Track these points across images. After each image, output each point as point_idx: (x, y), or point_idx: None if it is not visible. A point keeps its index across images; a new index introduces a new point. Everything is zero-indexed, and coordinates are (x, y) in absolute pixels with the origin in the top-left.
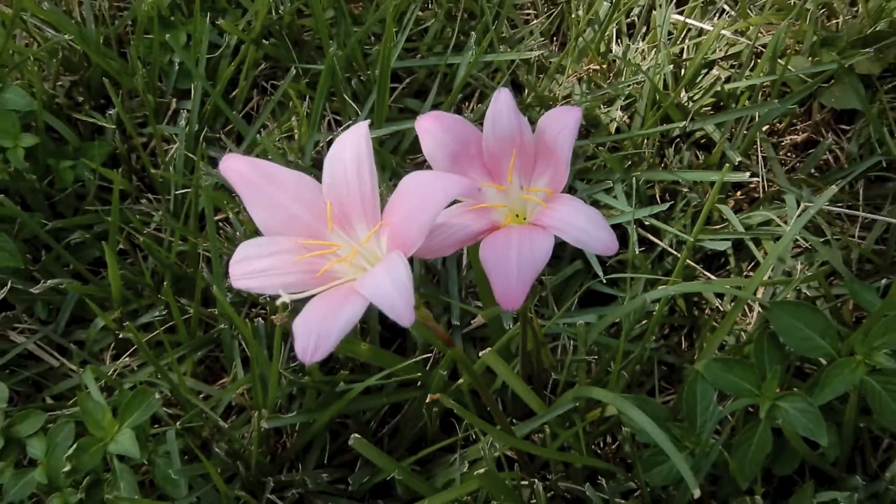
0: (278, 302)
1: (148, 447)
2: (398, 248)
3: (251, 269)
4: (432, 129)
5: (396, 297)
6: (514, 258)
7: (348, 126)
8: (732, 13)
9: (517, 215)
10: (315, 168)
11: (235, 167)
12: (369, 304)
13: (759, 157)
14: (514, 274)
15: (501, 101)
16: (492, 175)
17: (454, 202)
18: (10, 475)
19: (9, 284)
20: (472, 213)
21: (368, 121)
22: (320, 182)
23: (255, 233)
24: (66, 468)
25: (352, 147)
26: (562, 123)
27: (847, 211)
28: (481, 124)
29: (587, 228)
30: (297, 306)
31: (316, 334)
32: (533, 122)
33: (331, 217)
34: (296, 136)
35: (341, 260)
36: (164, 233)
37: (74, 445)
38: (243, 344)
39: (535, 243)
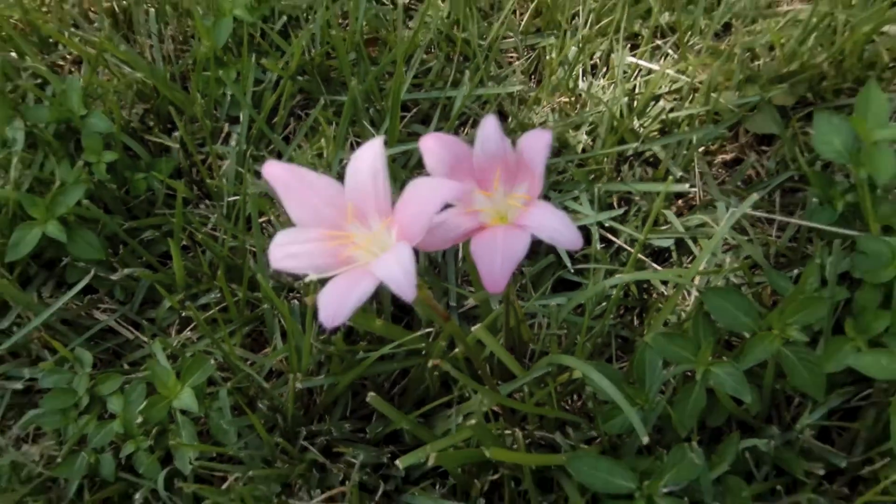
0: (306, 280)
1: (204, 403)
2: (405, 238)
3: (287, 252)
4: (434, 147)
5: (402, 277)
6: (498, 252)
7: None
8: (675, 56)
9: (501, 217)
10: (340, 179)
11: (275, 172)
12: (380, 284)
13: (696, 172)
14: (499, 265)
15: (488, 126)
16: (481, 184)
17: (450, 206)
18: (94, 426)
19: (92, 272)
20: (465, 215)
21: (383, 137)
22: (343, 184)
23: (290, 225)
24: (139, 420)
25: (369, 157)
26: (537, 143)
27: (766, 215)
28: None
29: (558, 228)
30: (325, 283)
31: (335, 306)
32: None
33: (351, 213)
34: (325, 155)
35: (358, 247)
36: (218, 231)
37: (145, 402)
38: (282, 320)
39: (515, 240)
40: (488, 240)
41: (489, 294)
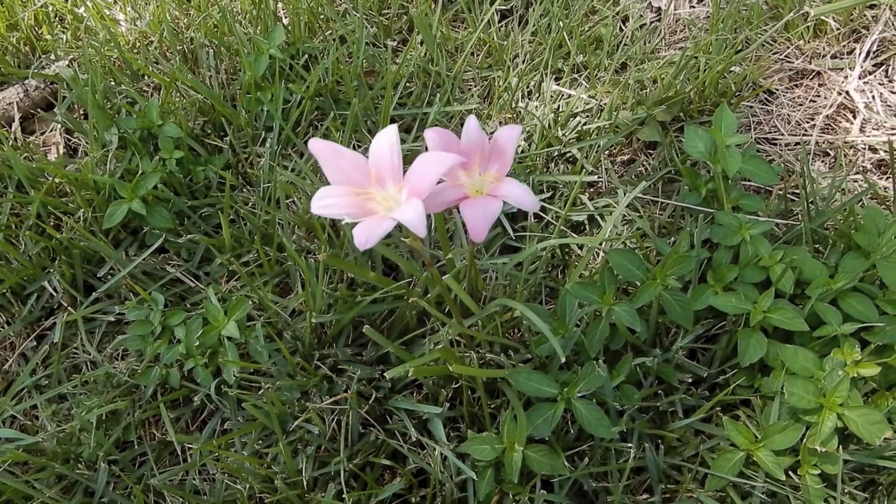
0: (343, 223)
1: (245, 333)
2: (415, 195)
3: (326, 203)
4: (434, 137)
5: (417, 220)
6: (480, 212)
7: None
8: (587, 85)
9: (478, 190)
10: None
11: (317, 145)
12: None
13: (603, 168)
14: (481, 221)
15: (471, 122)
16: (464, 166)
17: (441, 181)
18: (165, 348)
19: (164, 237)
20: (453, 188)
21: (397, 124)
22: (367, 157)
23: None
24: (197, 344)
25: (387, 136)
26: (508, 135)
27: (652, 198)
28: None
29: (522, 195)
30: (333, 245)
31: (366, 236)
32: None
33: (373, 177)
34: None
35: (377, 203)
36: (256, 209)
37: (202, 331)
38: (301, 273)
39: (490, 205)
40: (471, 205)
41: (456, 255)
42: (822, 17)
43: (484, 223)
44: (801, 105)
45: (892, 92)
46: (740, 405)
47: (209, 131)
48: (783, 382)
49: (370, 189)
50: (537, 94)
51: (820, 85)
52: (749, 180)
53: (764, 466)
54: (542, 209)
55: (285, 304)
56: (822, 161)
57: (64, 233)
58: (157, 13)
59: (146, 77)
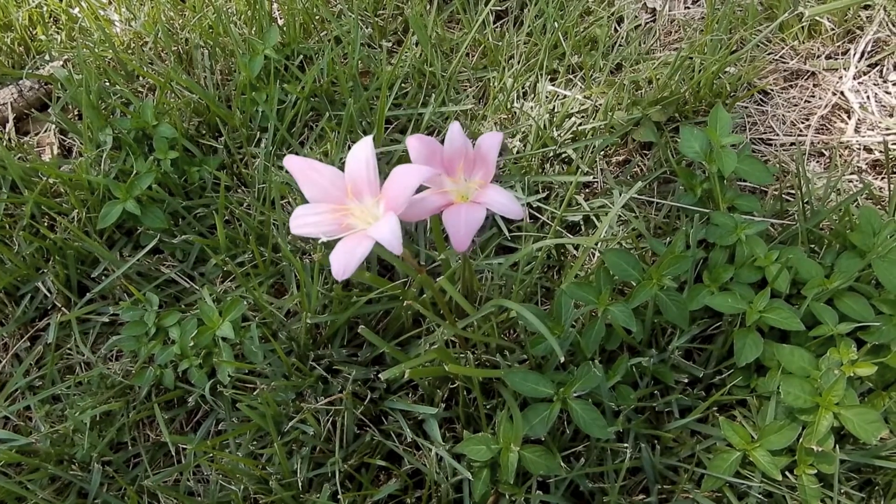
0: (319, 242)
1: (240, 333)
2: (391, 209)
3: (303, 222)
4: (416, 144)
5: (392, 237)
6: (462, 221)
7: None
8: (582, 86)
9: (463, 196)
10: (341, 169)
11: (293, 163)
12: (374, 244)
13: (598, 168)
14: (463, 230)
15: (454, 128)
16: (448, 172)
17: (426, 188)
18: (159, 349)
19: (159, 237)
20: (437, 195)
21: (372, 135)
22: (343, 171)
23: (304, 201)
24: (191, 345)
25: (362, 150)
26: (491, 141)
27: (647, 199)
28: (443, 142)
29: (507, 203)
30: (330, 244)
31: (344, 263)
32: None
33: (350, 192)
34: (329, 154)
35: (356, 217)
36: (251, 209)
37: (196, 331)
38: (296, 274)
39: (474, 213)
40: (455, 212)
41: (451, 255)
42: (817, 18)
43: (466, 232)
44: (795, 105)
45: (887, 92)
46: (736, 405)
47: (204, 132)
48: (779, 382)
49: (348, 204)
50: (532, 95)
51: (815, 85)
52: (744, 180)
53: (760, 466)
54: (539, 209)
55: (280, 304)
56: (818, 161)
57: (58, 233)
58: (151, 14)
59: (141, 78)
